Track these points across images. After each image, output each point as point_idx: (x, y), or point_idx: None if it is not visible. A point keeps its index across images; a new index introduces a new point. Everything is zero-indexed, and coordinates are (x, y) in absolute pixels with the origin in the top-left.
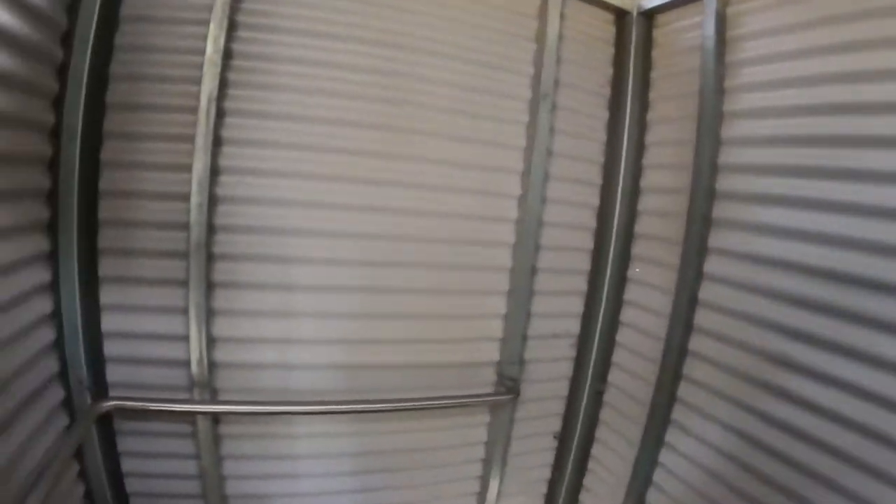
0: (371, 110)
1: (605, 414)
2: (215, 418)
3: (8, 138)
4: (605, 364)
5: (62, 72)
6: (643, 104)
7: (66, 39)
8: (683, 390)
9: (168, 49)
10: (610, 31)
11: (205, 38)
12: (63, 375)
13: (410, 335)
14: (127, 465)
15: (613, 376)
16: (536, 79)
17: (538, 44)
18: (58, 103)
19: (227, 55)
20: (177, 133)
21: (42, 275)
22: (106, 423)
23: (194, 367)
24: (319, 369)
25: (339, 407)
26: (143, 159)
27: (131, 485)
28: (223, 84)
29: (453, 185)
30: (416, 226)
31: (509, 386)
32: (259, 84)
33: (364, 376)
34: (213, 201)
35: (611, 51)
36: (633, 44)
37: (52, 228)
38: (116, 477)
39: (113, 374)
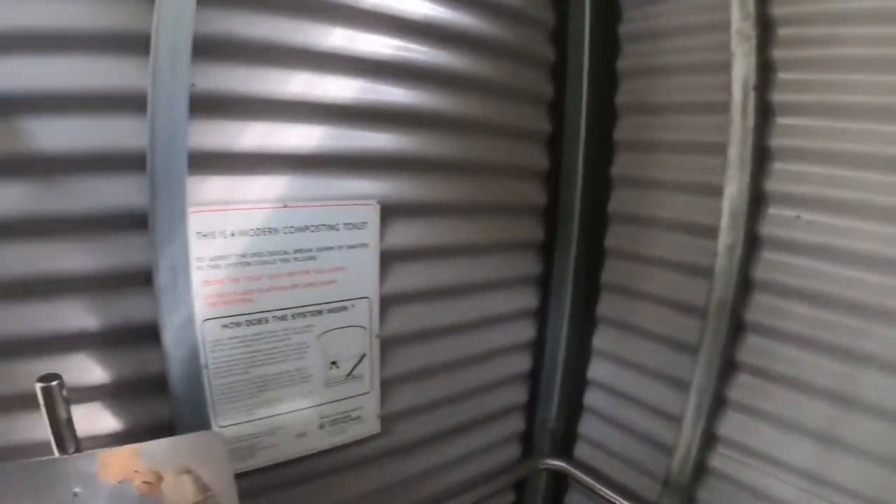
0: None
1: None
2: None
3: (507, 148)
4: None
5: (558, 74)
6: None
7: (558, 39)
8: None
9: (683, 30)
10: None
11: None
12: (530, 408)
13: None
14: None
15: None
16: None
17: None
18: (557, 109)
19: (766, 23)
20: (701, 141)
21: (528, 299)
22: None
23: (675, 463)
24: None
25: None
26: (659, 176)
27: None
28: (766, 67)
29: None
30: None
31: None
32: (825, 61)
33: None
34: (752, 244)
35: None
36: None
37: (546, 250)
38: None
39: (585, 426)
